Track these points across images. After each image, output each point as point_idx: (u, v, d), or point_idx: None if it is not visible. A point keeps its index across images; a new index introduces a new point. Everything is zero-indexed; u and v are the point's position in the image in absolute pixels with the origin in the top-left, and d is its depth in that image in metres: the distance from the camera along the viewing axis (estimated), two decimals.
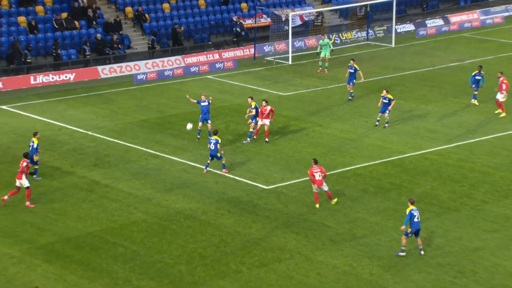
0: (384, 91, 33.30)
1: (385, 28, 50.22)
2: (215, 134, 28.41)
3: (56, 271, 21.76)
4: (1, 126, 34.03)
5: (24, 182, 25.46)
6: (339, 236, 23.93)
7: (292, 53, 45.21)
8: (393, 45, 48.23)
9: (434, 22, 52.32)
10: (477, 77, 35.76)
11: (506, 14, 54.59)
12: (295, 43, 46.91)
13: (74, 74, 41.29)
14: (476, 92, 36.08)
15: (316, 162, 25.89)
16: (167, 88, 40.35)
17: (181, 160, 30.19)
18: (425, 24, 52.00)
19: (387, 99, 33.13)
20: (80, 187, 27.45)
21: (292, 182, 28.14)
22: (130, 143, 32.28)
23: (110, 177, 28.52)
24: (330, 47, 42.50)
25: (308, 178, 27.23)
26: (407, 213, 22.36)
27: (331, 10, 51.71)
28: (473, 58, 44.83)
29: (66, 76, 41.06)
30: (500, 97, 34.43)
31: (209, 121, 31.80)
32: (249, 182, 28.09)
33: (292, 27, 45.55)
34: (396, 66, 43.77)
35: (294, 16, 47.06)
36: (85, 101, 37.86)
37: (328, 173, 28.91)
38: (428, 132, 33.28)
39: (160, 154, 30.93)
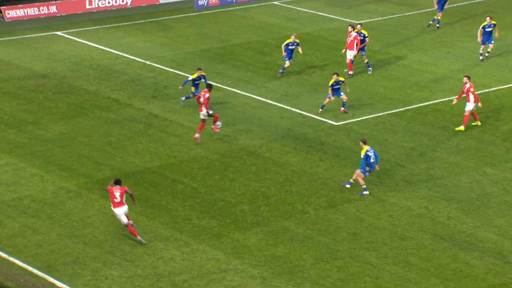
0: (488, 18, 32.09)
1: None
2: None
3: None
4: (56, 53, 34.79)
5: (203, 113, 25.79)
6: (414, 176, 23.85)
7: None
8: None
9: None
10: None
11: None
12: None
13: None
14: None
15: (469, 78, 26.53)
16: (229, 15, 40.27)
17: (244, 93, 30.35)
18: None
19: (491, 26, 32.02)
20: (138, 120, 28.02)
21: (364, 118, 28.02)
22: (191, 74, 32.56)
23: (169, 110, 28.97)
24: None
25: (379, 114, 27.04)
26: (362, 155, 22.50)
27: None
28: None
29: (123, 1, 41.42)
30: None
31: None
32: (317, 117, 28.10)
33: None
34: None
35: None
36: (142, 28, 38.23)
37: (403, 109, 28.64)
38: None
39: (222, 86, 31.16)
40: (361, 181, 22.80)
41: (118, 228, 21.13)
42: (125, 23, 38.99)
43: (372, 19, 38.87)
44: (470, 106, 25.86)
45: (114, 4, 41.17)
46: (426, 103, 28.89)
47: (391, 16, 39.11)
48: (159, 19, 39.66)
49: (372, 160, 22.76)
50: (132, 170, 24.55)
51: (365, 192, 22.90)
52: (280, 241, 20.80)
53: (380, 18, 38.96)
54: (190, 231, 21.27)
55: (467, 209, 22.06)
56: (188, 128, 27.46)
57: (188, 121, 28.02)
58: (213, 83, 31.45)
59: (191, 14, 40.49)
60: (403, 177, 23.90)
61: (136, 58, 34.19)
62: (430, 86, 30.39)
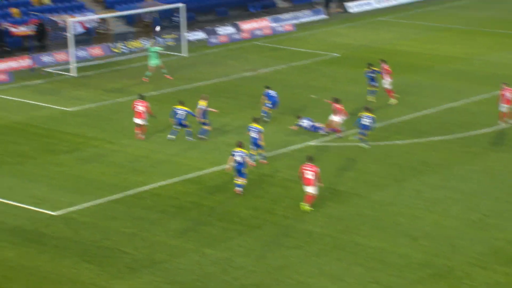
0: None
1: (176, 36, 50.92)
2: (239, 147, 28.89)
3: None
4: None
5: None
6: (137, 262, 23.94)
7: (75, 63, 44.47)
8: (186, 54, 49.13)
9: (225, 30, 54.02)
10: (371, 75, 39.48)
11: (296, 21, 57.65)
12: (78, 52, 46.14)
13: None
14: (372, 89, 39.61)
15: (310, 159, 27.60)
16: None
17: None
18: (216, 31, 53.52)
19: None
20: None
21: (83, 206, 27.69)
22: None
23: None
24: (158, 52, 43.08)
25: (99, 201, 26.99)
26: None
27: (115, 17, 51.47)
28: (266, 67, 46.83)
29: None
30: (388, 82, 39.20)
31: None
32: (33, 208, 27.20)
33: (74, 35, 44.74)
34: (190, 77, 44.66)
35: (74, 22, 46.19)
36: None
37: (122, 195, 28.80)
38: (226, 145, 34.25)
39: None
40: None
41: None
42: None
43: (84, 106, 38.90)
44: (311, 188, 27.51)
45: None
46: (144, 188, 29.37)
47: (102, 103, 39.49)
48: None
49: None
50: None
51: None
52: None
53: (92, 105, 39.14)
54: None
55: None
56: None
57: None
58: None
59: None
60: (126, 263, 23.88)
61: None
62: (147, 171, 31.01)
